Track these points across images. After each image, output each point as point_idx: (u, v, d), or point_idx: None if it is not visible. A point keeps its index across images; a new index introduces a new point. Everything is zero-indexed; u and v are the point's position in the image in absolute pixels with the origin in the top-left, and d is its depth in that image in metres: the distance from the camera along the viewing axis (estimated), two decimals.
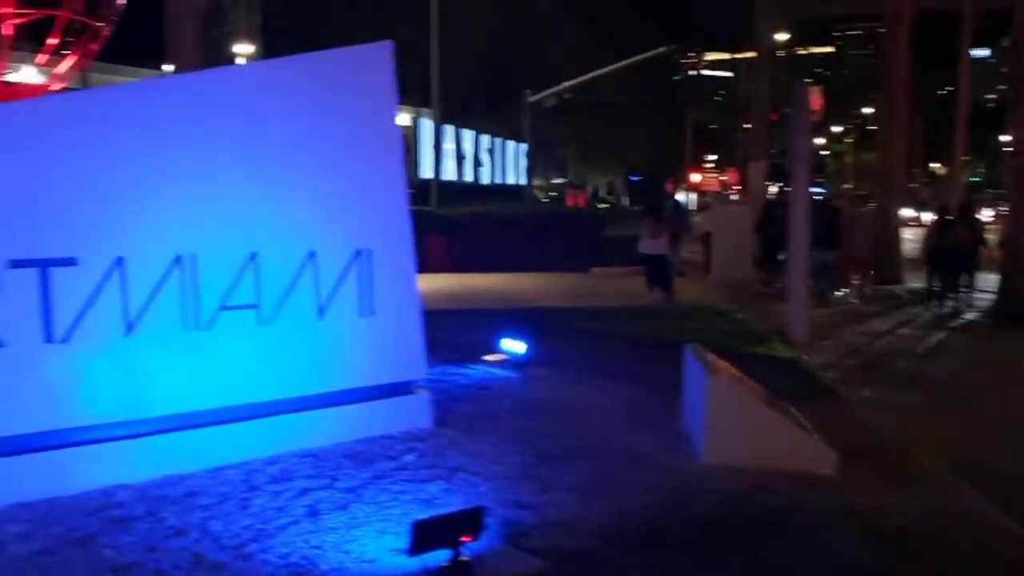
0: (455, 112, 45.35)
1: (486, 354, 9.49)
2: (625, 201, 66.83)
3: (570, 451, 6.35)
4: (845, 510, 5.39)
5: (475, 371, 8.96)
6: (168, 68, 28.28)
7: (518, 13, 51.20)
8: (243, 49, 25.99)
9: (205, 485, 5.44)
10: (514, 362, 9.22)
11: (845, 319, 13.87)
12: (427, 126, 36.11)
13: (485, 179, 51.74)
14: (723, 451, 6.03)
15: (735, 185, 58.39)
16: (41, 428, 5.21)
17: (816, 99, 15.77)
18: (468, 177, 49.54)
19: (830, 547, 4.89)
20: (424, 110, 33.93)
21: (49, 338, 5.24)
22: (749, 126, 45.42)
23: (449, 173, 43.78)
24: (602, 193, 68.71)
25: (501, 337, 9.55)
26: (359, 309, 6.57)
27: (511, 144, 55.12)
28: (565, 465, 6.03)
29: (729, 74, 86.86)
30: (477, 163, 50.45)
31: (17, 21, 8.00)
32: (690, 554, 4.71)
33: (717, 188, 63.10)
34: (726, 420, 6.07)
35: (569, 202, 51.12)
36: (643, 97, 62.42)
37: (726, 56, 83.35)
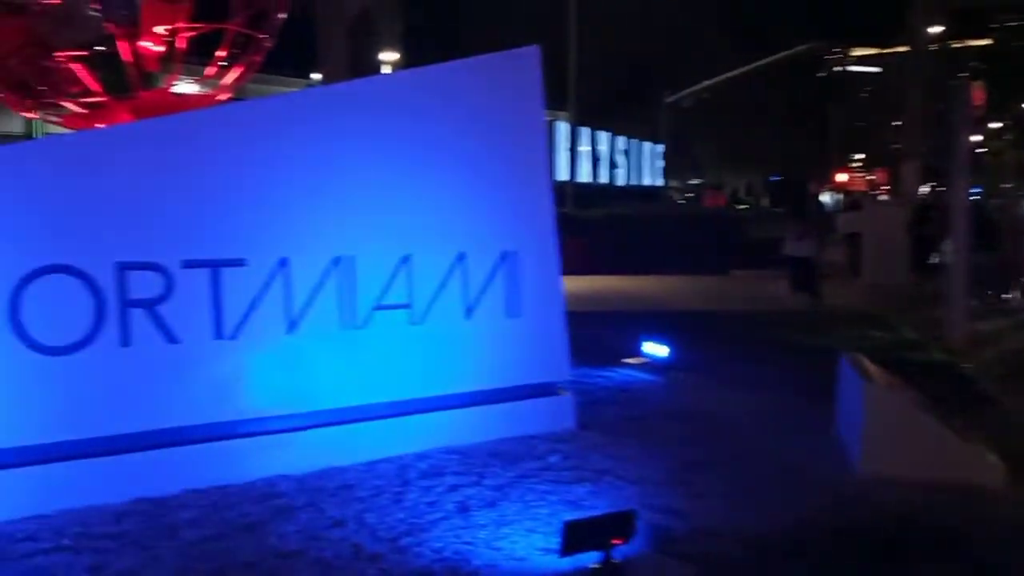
0: (591, 114, 45.31)
1: (627, 357, 9.44)
2: (764, 202, 65.12)
3: (718, 457, 6.23)
4: (1021, 526, 5.08)
5: (616, 374, 8.92)
6: (316, 77, 29.46)
7: (656, 13, 50.67)
8: (388, 56, 26.79)
9: (360, 478, 5.63)
10: (656, 366, 9.13)
11: (1006, 324, 13.06)
12: (563, 128, 36.19)
13: (620, 181, 51.37)
14: (881, 462, 5.78)
15: (883, 185, 55.96)
16: (211, 420, 5.51)
17: (979, 95, 14.88)
18: (603, 179, 49.34)
19: (1009, 569, 4.62)
20: (560, 112, 34.05)
21: (219, 335, 5.54)
22: (899, 124, 43.44)
23: (584, 175, 43.71)
24: (740, 194, 67.09)
25: (642, 340, 9.47)
26: (505, 310, 6.66)
27: (647, 145, 54.59)
28: (713, 472, 5.92)
29: (877, 70, 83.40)
30: (612, 164, 50.16)
31: (189, 35, 8.48)
32: (853, 571, 4.54)
33: (864, 188, 60.65)
34: (885, 430, 5.82)
35: (707, 203, 50.17)
36: (785, 95, 60.69)
37: (873, 51, 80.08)
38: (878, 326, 12.59)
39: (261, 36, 8.52)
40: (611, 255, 19.20)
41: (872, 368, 6.61)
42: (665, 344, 9.24)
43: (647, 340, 9.40)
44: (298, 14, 9.29)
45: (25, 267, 4.97)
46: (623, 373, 8.97)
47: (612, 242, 19.60)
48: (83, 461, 5.08)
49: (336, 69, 19.42)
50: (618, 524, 4.31)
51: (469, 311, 6.49)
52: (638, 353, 9.41)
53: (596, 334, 10.44)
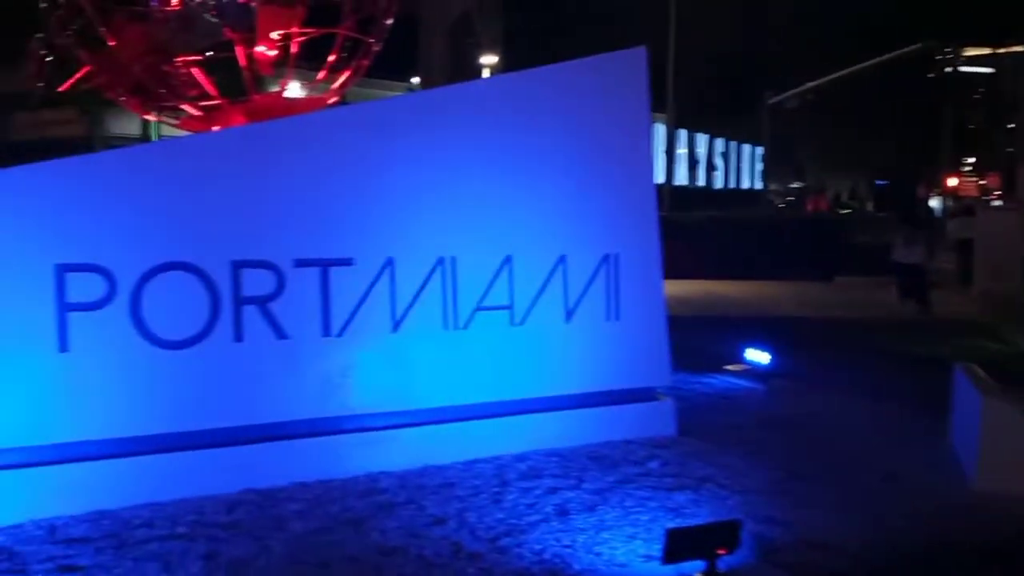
0: (689, 115, 44.76)
1: (728, 363, 9.29)
2: (869, 207, 63.11)
3: (823, 468, 6.06)
4: None
5: (718, 380, 8.78)
6: (415, 80, 29.89)
7: (758, 12, 49.71)
8: (488, 60, 27.01)
9: (460, 477, 5.68)
10: (758, 373, 8.95)
11: None
12: (660, 130, 35.86)
13: (719, 183, 50.66)
14: (999, 478, 5.53)
15: (996, 190, 53.56)
16: (317, 415, 5.65)
17: None
18: (701, 182, 48.73)
19: None
20: (657, 114, 33.77)
21: (326, 332, 5.67)
22: (1013, 126, 41.49)
23: (682, 177, 43.23)
24: (844, 198, 65.15)
25: (743, 346, 9.30)
26: (606, 313, 6.62)
27: (746, 147, 53.65)
28: (818, 482, 5.76)
29: (990, 70, 79.87)
30: (711, 167, 49.47)
31: (301, 39, 8.72)
32: None
33: (976, 193, 58.15)
34: (1004, 444, 5.57)
35: (809, 207, 48.92)
36: (892, 96, 58.63)
37: (987, 51, 76.71)
38: (991, 337, 12.03)
39: (369, 40, 8.69)
40: (711, 259, 18.89)
41: (989, 380, 6.33)
42: (767, 351, 9.05)
43: (749, 346, 9.22)
44: (401, 18, 9.41)
45: (146, 264, 5.19)
46: (724, 379, 8.83)
47: (712, 246, 19.30)
48: (196, 452, 5.27)
49: (437, 72, 19.73)
50: (723, 533, 4.23)
51: (570, 313, 6.48)
52: (740, 359, 9.24)
53: (697, 339, 10.29)
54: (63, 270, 4.99)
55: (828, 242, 20.45)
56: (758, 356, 9.08)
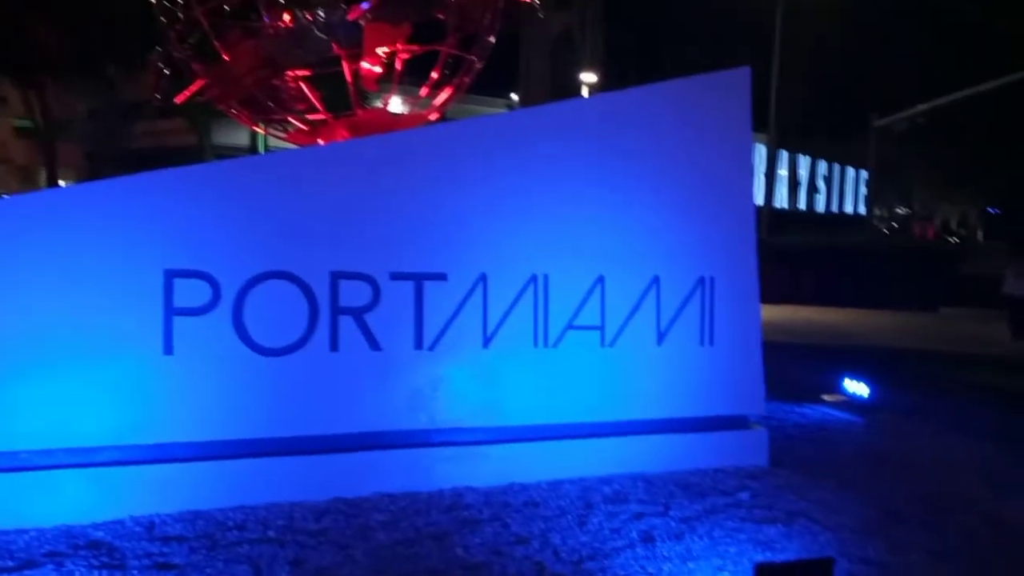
0: (791, 136, 43.87)
1: (825, 393, 9.03)
2: (979, 235, 60.60)
3: (922, 508, 5.81)
4: None
5: (814, 411, 8.54)
6: (515, 97, 30.13)
7: (867, 31, 48.41)
8: (588, 77, 27.07)
9: (545, 497, 5.65)
10: (856, 404, 8.67)
11: None
12: (760, 150, 35.23)
13: (820, 207, 49.43)
14: None
15: None
16: (406, 427, 5.71)
17: None
18: (802, 204, 47.65)
19: None
20: (758, 134, 33.18)
21: (419, 345, 5.74)
22: None
23: (782, 200, 42.35)
24: (953, 225, 62.76)
25: (841, 377, 9.03)
26: (699, 337, 6.51)
27: (850, 171, 52.23)
28: (917, 523, 5.52)
29: None
30: (813, 190, 48.35)
31: (406, 56, 8.89)
32: None
33: None
34: None
35: (916, 234, 47.34)
36: (1008, 121, 56.22)
37: None
38: None
39: (471, 58, 8.80)
40: (809, 285, 18.46)
41: None
42: (867, 382, 8.76)
43: (847, 377, 8.94)
44: (503, 36, 9.50)
45: (249, 272, 5.35)
46: (821, 410, 8.57)
47: (811, 272, 18.85)
48: (289, 458, 5.39)
49: (536, 89, 19.84)
50: (814, 571, 4.09)
51: (662, 336, 6.39)
52: (838, 390, 8.97)
53: (793, 367, 10.05)
54: (171, 275, 5.18)
55: (935, 271, 19.74)
56: (857, 387, 8.80)
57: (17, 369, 4.88)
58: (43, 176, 43.65)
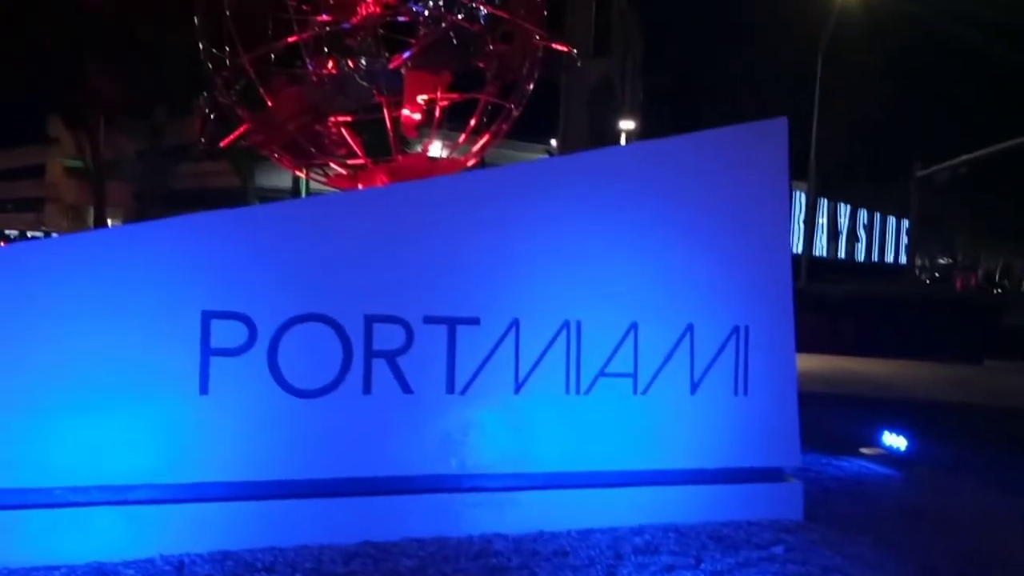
0: (831, 184, 43.66)
1: (863, 446, 8.86)
2: (1023, 286, 59.52)
3: (963, 567, 5.66)
4: None
5: (851, 464, 8.38)
6: (554, 142, 30.38)
7: (909, 79, 48.28)
8: (626, 124, 27.26)
9: (574, 546, 5.59)
10: (895, 458, 8.49)
11: None
12: (800, 198, 35.08)
13: (861, 256, 48.96)
14: None
15: None
16: (436, 472, 5.70)
17: None
18: (842, 253, 47.24)
19: None
20: (798, 182, 33.04)
21: (450, 389, 5.75)
22: None
23: (822, 248, 42.02)
24: (996, 276, 61.74)
25: (880, 429, 8.87)
26: (734, 387, 6.45)
27: (891, 220, 51.77)
28: None
29: None
30: (853, 239, 47.94)
31: (445, 103, 9.05)
32: None
33: None
34: None
35: (958, 284, 46.61)
36: None
37: None
38: None
39: (509, 106, 8.93)
40: (848, 335, 18.22)
41: None
42: (906, 435, 8.60)
43: (886, 429, 8.78)
44: (542, 83, 9.66)
45: (285, 314, 5.42)
46: (858, 464, 8.41)
47: (851, 321, 18.60)
48: (320, 500, 5.40)
49: (575, 135, 20.00)
50: None
51: (695, 385, 6.34)
52: (876, 443, 8.80)
53: (830, 418, 9.88)
54: (209, 316, 5.26)
55: (978, 322, 19.37)
56: (896, 440, 8.64)
57: (55, 405, 4.97)
58: (91, 215, 44.73)
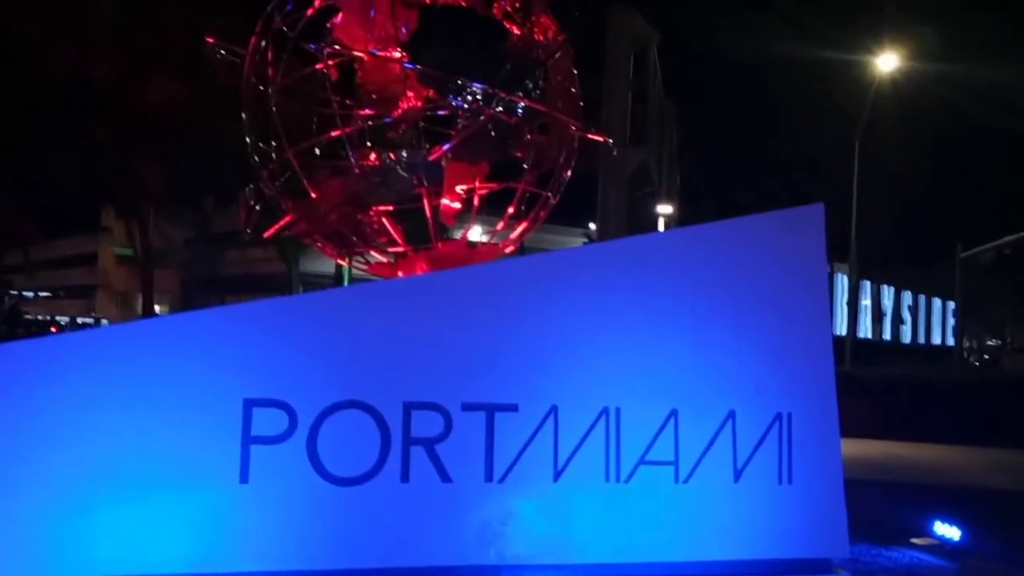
0: (873, 267, 43.31)
1: (914, 536, 8.60)
2: None
3: None
4: None
5: (901, 555, 8.12)
6: (592, 227, 30.65)
7: (949, 161, 48.19)
8: (664, 210, 27.47)
9: None
10: (948, 549, 8.22)
11: None
12: (842, 281, 34.79)
13: (906, 338, 48.19)
14: None
15: None
16: (474, 562, 5.61)
17: None
18: (887, 335, 46.54)
19: None
20: (840, 264, 32.84)
21: (489, 477, 5.71)
22: None
23: (866, 330, 41.45)
24: None
25: (932, 518, 8.61)
26: (778, 475, 6.33)
27: (936, 301, 51.07)
28: None
29: None
30: (898, 320, 47.25)
31: (483, 192, 9.23)
32: None
33: None
34: None
35: (1007, 366, 45.48)
36: None
37: None
38: None
39: (547, 194, 9.09)
40: (895, 419, 17.81)
41: None
42: (959, 525, 8.33)
43: (938, 518, 8.52)
44: (582, 170, 9.83)
45: (325, 402, 5.46)
46: (909, 554, 8.15)
47: (897, 405, 18.23)
48: None
49: (613, 220, 20.19)
50: None
51: (738, 474, 6.23)
52: (928, 533, 8.54)
53: (879, 507, 9.61)
54: (250, 404, 5.32)
55: None
56: (948, 530, 8.37)
57: (98, 496, 5.02)
58: (140, 301, 45.76)
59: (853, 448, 13.47)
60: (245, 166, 9.12)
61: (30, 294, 72.35)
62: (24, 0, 31.42)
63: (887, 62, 30.84)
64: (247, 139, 8.83)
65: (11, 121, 32.41)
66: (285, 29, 8.66)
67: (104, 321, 61.49)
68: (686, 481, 6.12)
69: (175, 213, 41.60)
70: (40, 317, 67.83)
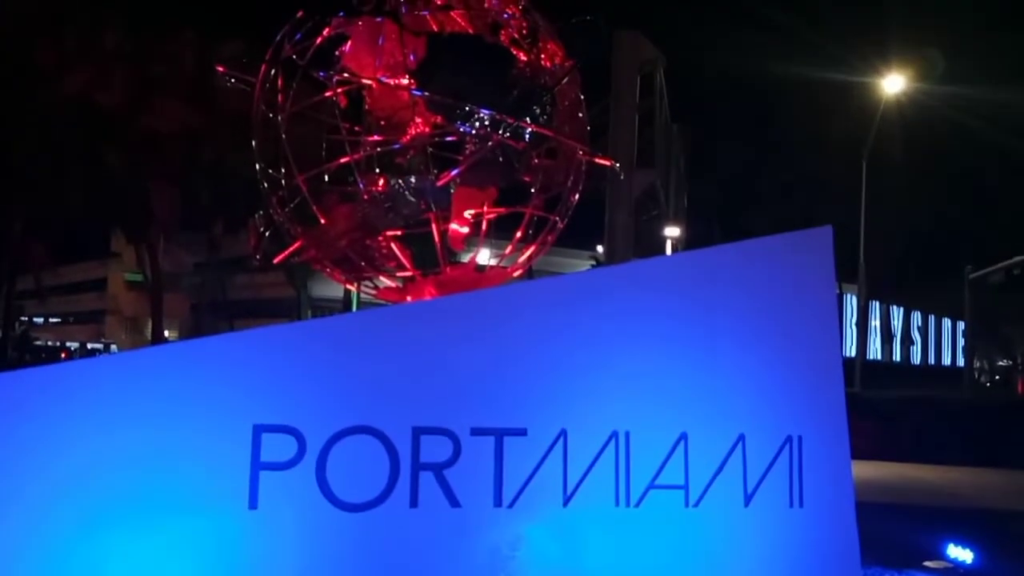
0: (882, 287, 43.20)
1: (926, 559, 8.53)
2: None
3: None
4: None
5: None
6: (600, 249, 30.67)
7: (959, 181, 48.17)
8: (672, 232, 27.52)
9: None
10: (961, 572, 8.15)
11: None
12: (851, 302, 34.73)
13: (916, 359, 47.99)
14: None
15: None
16: None
17: None
18: (897, 356, 46.35)
19: None
20: (848, 285, 32.79)
21: (498, 502, 5.69)
22: None
23: (875, 352, 41.30)
24: None
25: (945, 541, 8.55)
26: (788, 499, 6.30)
27: (947, 322, 50.89)
28: None
29: None
30: (908, 341, 47.09)
31: (491, 216, 9.29)
32: None
33: None
34: None
35: (1020, 388, 45.20)
36: None
37: None
38: None
39: (555, 218, 9.14)
40: (905, 441, 17.72)
41: None
42: (972, 548, 8.27)
43: (951, 541, 8.46)
44: (589, 193, 9.91)
45: (334, 427, 5.46)
46: None
47: (907, 426, 18.12)
48: None
49: (620, 243, 20.22)
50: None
51: (748, 497, 6.21)
52: (941, 556, 8.47)
53: (890, 530, 9.54)
54: (260, 430, 5.33)
55: None
56: (961, 553, 8.31)
57: (110, 519, 5.03)
58: (149, 327, 45.92)
59: (864, 470, 13.38)
60: (254, 192, 9.20)
61: (40, 320, 72.72)
62: (36, 28, 31.82)
63: (894, 83, 30.95)
64: (257, 165, 8.92)
65: (23, 148, 32.72)
66: (295, 57, 8.76)
67: (113, 347, 61.72)
68: (696, 505, 6.10)
69: (185, 238, 41.87)
70: (50, 343, 68.15)
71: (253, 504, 5.26)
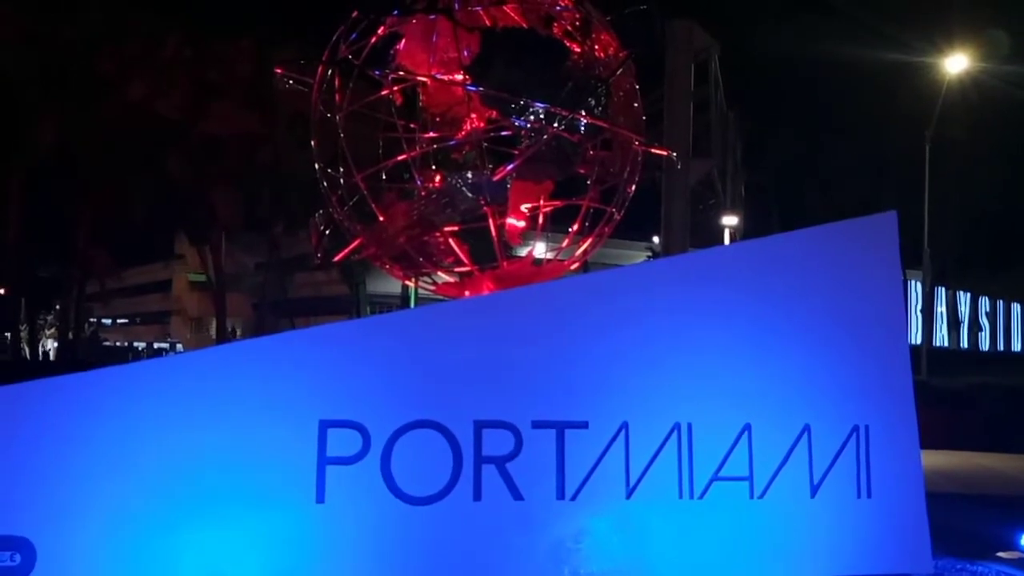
0: (950, 273, 42.16)
1: (1000, 549, 8.30)
2: None
3: None
4: None
5: (987, 569, 7.83)
6: (656, 240, 30.47)
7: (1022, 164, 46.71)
8: (729, 221, 27.18)
9: None
10: None
11: None
12: (917, 288, 33.95)
13: (985, 345, 46.72)
14: None
15: None
16: None
17: None
18: (964, 343, 45.20)
19: None
20: (913, 271, 32.04)
21: (560, 495, 5.71)
22: None
23: (943, 339, 40.33)
24: None
25: (1018, 530, 8.31)
26: (856, 489, 6.21)
27: (1016, 307, 49.43)
28: None
29: None
30: (976, 328, 45.86)
31: (548, 210, 9.30)
32: None
33: None
34: None
35: None
36: None
37: None
38: None
39: (611, 209, 9.10)
40: (975, 429, 17.25)
41: None
42: None
43: None
44: (646, 184, 9.84)
45: (398, 422, 5.53)
46: (996, 569, 7.86)
47: (978, 414, 17.66)
48: None
49: (677, 233, 20.05)
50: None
51: (814, 488, 6.13)
52: (1015, 546, 8.24)
53: (962, 519, 9.31)
54: (326, 426, 5.43)
55: None
56: None
57: (182, 516, 5.17)
58: (213, 325, 46.92)
59: (934, 460, 13.07)
60: (312, 192, 9.31)
61: (108, 321, 74.71)
62: (99, 38, 32.64)
63: (956, 63, 30.11)
64: (315, 165, 9.04)
65: (88, 158, 33.64)
66: (350, 57, 8.85)
67: (179, 346, 63.15)
68: (761, 497, 6.04)
69: (246, 239, 42.66)
70: (118, 343, 70.02)
71: (320, 498, 5.36)
